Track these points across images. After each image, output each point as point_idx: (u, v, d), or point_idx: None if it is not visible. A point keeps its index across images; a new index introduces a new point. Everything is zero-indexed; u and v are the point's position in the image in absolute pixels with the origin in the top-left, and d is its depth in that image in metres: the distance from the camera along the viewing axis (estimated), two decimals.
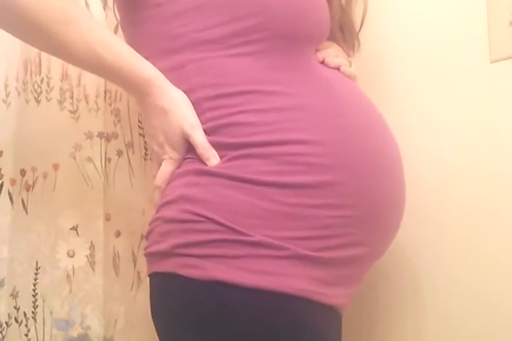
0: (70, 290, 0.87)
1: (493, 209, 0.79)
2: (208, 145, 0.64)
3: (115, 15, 0.77)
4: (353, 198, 0.65)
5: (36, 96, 0.89)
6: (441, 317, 0.84)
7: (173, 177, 0.67)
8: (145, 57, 0.68)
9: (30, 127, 0.88)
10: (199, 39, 0.67)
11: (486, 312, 0.78)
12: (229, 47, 0.67)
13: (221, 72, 0.67)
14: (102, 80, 0.91)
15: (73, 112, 0.90)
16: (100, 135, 0.90)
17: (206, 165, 0.64)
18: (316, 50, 0.74)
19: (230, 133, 0.64)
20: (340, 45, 0.82)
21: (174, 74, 0.68)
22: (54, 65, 0.90)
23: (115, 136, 0.92)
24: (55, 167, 0.89)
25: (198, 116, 0.66)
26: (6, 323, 0.84)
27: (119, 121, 0.93)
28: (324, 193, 0.63)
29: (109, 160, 0.91)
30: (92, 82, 0.91)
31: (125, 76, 0.67)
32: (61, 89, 0.90)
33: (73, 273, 0.87)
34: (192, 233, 0.62)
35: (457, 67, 0.84)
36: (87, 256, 0.88)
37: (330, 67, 0.73)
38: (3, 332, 0.83)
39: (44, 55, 0.89)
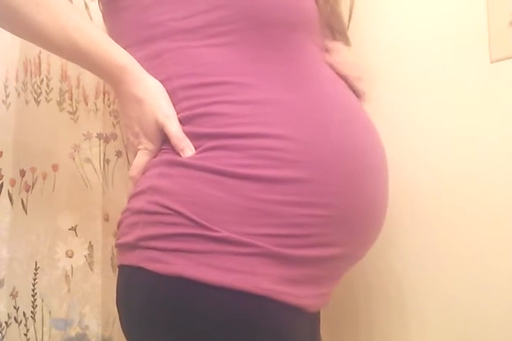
0: (69, 290, 0.87)
1: (484, 212, 0.79)
2: (182, 135, 0.62)
3: (99, 5, 0.75)
4: (328, 197, 0.62)
5: (36, 97, 0.90)
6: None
7: (147, 168, 0.65)
8: (124, 47, 0.67)
9: (29, 128, 0.89)
10: (177, 28, 0.65)
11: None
12: (207, 37, 0.64)
13: (198, 62, 0.65)
14: (101, 81, 0.91)
15: (72, 113, 0.91)
16: (99, 136, 0.91)
17: (180, 156, 0.62)
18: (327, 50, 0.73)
19: (204, 123, 0.62)
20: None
21: (152, 63, 0.66)
22: (53, 66, 0.90)
23: (114, 137, 0.93)
24: (55, 168, 0.89)
25: (174, 105, 0.64)
26: (6, 323, 0.84)
27: (118, 122, 0.93)
28: (296, 190, 0.61)
29: (108, 161, 0.91)
30: (91, 83, 0.92)
31: (98, 62, 0.65)
32: (60, 90, 0.90)
33: (72, 273, 0.88)
34: (158, 225, 0.60)
35: (457, 67, 0.83)
36: (85, 256, 0.88)
37: (344, 76, 0.72)
38: (3, 332, 0.84)
39: (44, 55, 0.90)
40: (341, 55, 0.73)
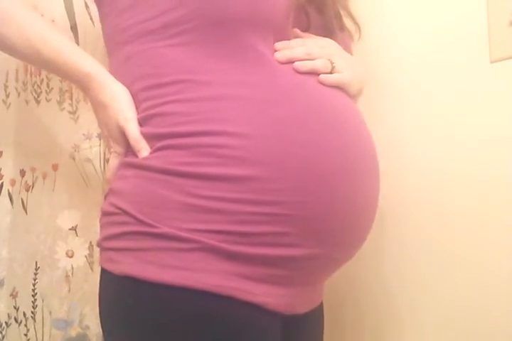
0: (69, 290, 0.87)
1: (483, 212, 0.78)
2: (139, 137, 0.64)
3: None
4: (277, 195, 0.60)
5: (36, 96, 0.90)
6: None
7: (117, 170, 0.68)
8: (109, 52, 0.70)
9: (29, 127, 0.89)
10: (142, 30, 0.66)
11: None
12: (167, 38, 0.65)
13: (157, 63, 0.65)
14: None
15: (72, 113, 0.91)
16: (99, 136, 0.91)
17: (136, 157, 0.64)
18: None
19: (157, 123, 0.64)
20: (337, 36, 0.78)
21: (123, 66, 0.68)
22: None
23: None
24: (55, 167, 0.89)
25: (136, 107, 0.66)
26: (6, 323, 0.84)
27: None
28: (240, 188, 0.59)
29: (108, 160, 0.91)
30: None
31: (64, 71, 0.69)
32: (60, 89, 0.90)
33: (72, 273, 0.88)
34: (113, 226, 0.63)
35: (457, 67, 0.83)
36: (86, 256, 0.88)
37: (300, 72, 0.67)
38: (3, 332, 0.84)
39: None
40: (294, 51, 0.68)
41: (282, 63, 0.66)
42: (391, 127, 0.92)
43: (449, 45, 0.84)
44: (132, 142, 0.64)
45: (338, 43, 0.76)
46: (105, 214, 0.65)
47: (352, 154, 0.66)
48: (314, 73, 0.67)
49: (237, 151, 0.60)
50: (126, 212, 0.61)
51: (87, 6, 0.91)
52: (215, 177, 0.59)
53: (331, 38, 0.76)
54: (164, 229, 0.59)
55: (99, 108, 0.68)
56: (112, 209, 0.63)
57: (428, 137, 0.87)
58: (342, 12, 0.80)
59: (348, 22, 0.82)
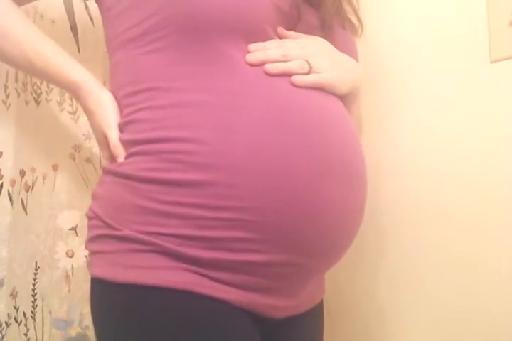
0: (69, 290, 0.88)
1: (484, 211, 0.78)
2: (116, 143, 0.66)
3: None
4: (236, 201, 0.60)
5: (36, 97, 0.90)
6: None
7: None
8: (110, 61, 0.72)
9: (29, 128, 0.89)
10: (127, 38, 0.68)
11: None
12: (145, 45, 0.66)
13: (136, 70, 0.67)
14: (100, 81, 0.91)
15: (72, 113, 0.91)
16: None
17: (114, 163, 0.66)
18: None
19: (131, 130, 0.66)
20: (338, 33, 0.77)
21: (113, 72, 0.71)
22: None
23: None
24: (55, 167, 0.90)
25: (120, 114, 0.68)
26: (6, 323, 0.84)
27: None
28: (199, 193, 0.60)
29: None
30: None
31: (55, 80, 0.73)
32: (60, 90, 0.90)
33: (72, 273, 0.88)
34: (90, 230, 0.66)
35: (457, 67, 0.83)
36: (86, 256, 0.88)
37: (271, 74, 0.65)
38: (3, 332, 0.84)
39: None
40: (268, 52, 0.66)
41: (254, 65, 0.65)
42: (391, 127, 0.92)
43: (449, 45, 0.84)
44: (111, 148, 0.67)
45: (337, 41, 0.75)
46: (87, 218, 0.68)
47: (324, 158, 0.64)
48: (288, 75, 0.66)
49: (197, 157, 0.60)
50: (98, 216, 0.64)
51: (86, 7, 0.92)
52: (175, 183, 0.60)
53: (330, 35, 0.74)
54: (126, 232, 0.61)
55: (88, 115, 0.71)
56: (90, 213, 0.67)
57: (428, 137, 0.87)
58: (346, 8, 0.80)
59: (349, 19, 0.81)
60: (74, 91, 0.72)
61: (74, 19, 0.92)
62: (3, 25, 0.72)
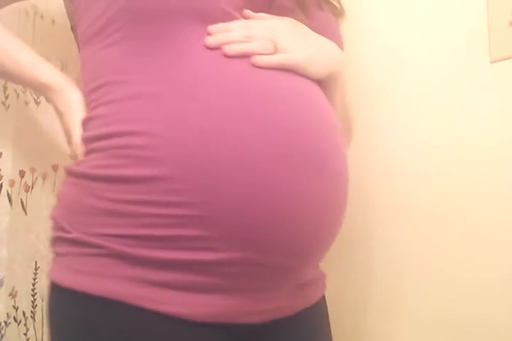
0: None
1: (484, 210, 0.78)
2: (78, 142, 0.64)
3: None
4: (185, 196, 0.55)
5: (36, 97, 0.90)
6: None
7: None
8: None
9: (29, 128, 0.89)
10: (89, 33, 0.66)
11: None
12: (103, 39, 0.64)
13: (95, 66, 0.66)
14: None
15: None
16: None
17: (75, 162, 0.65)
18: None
19: (89, 127, 0.64)
20: (316, 14, 0.72)
21: (81, 71, 0.69)
22: (53, 65, 0.90)
23: None
24: (55, 168, 0.90)
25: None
26: (5, 322, 0.84)
27: None
28: (148, 189, 0.56)
29: None
30: None
31: (26, 82, 0.72)
32: None
33: None
34: (51, 232, 0.65)
35: (457, 67, 0.83)
36: None
37: (229, 56, 0.60)
38: (2, 331, 0.83)
39: (44, 56, 0.90)
40: (229, 34, 0.61)
41: (213, 49, 0.60)
42: (390, 127, 0.92)
43: (449, 45, 0.84)
44: (73, 147, 0.65)
45: (315, 22, 0.70)
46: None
47: (288, 147, 0.58)
48: (250, 56, 0.61)
49: (147, 151, 0.57)
50: (55, 218, 0.63)
51: None
52: (124, 179, 0.57)
53: (307, 18, 0.70)
54: (75, 234, 0.59)
55: (58, 116, 0.70)
56: (51, 215, 0.65)
57: (428, 137, 0.87)
58: None
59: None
60: (44, 93, 0.71)
61: (74, 19, 0.91)
62: None
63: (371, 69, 0.94)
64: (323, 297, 0.74)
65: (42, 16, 0.91)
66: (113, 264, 0.57)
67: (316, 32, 0.70)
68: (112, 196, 0.58)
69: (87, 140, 0.63)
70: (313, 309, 0.69)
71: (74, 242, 0.59)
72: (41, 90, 0.72)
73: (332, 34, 0.73)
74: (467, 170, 0.81)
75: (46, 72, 0.71)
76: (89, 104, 0.65)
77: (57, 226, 0.62)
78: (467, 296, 0.79)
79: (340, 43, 0.75)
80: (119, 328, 0.56)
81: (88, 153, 0.62)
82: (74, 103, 0.68)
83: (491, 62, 0.79)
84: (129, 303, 0.55)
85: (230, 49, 0.60)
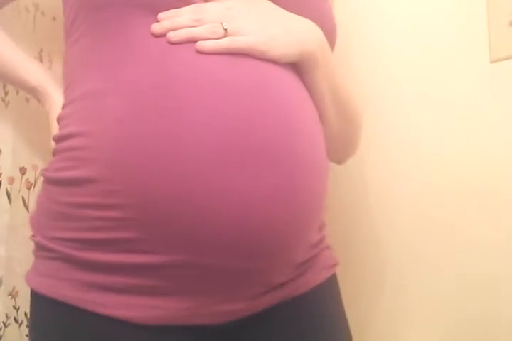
0: None
1: (484, 209, 0.79)
2: (53, 145, 0.64)
3: None
4: (117, 198, 0.54)
5: None
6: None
7: None
8: None
9: (31, 125, 0.87)
10: (64, 31, 0.66)
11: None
12: (70, 37, 0.64)
13: (65, 64, 0.66)
14: None
15: None
16: None
17: None
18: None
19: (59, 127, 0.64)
20: None
21: None
22: (55, 63, 0.89)
23: None
24: None
25: None
26: (4, 323, 0.82)
27: None
28: (89, 191, 0.55)
29: None
30: None
31: (18, 85, 0.73)
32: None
33: None
34: None
35: (457, 67, 0.84)
36: None
37: (173, 43, 0.56)
38: (1, 333, 0.82)
39: (45, 53, 0.90)
40: (176, 19, 0.57)
41: (158, 36, 0.56)
42: (389, 127, 0.92)
43: (449, 45, 0.85)
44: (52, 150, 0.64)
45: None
46: None
47: (231, 139, 0.53)
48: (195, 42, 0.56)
49: (86, 152, 0.56)
50: (30, 222, 0.64)
51: None
52: (72, 182, 0.57)
53: None
54: (38, 238, 0.61)
55: (48, 119, 0.70)
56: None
57: (427, 137, 0.87)
58: None
59: None
60: (35, 96, 0.72)
61: None
62: None
63: (371, 69, 0.95)
64: (322, 286, 0.68)
65: (43, 13, 0.90)
66: (64, 268, 0.57)
67: (291, 10, 0.64)
68: (63, 199, 0.58)
69: (54, 141, 0.64)
70: (306, 297, 0.65)
71: (37, 245, 0.61)
72: (32, 94, 0.73)
73: (312, 11, 0.67)
74: (466, 169, 0.82)
75: (34, 74, 0.71)
76: (62, 106, 0.65)
77: (31, 230, 0.64)
78: (480, 297, 0.79)
79: (326, 21, 0.69)
80: (68, 331, 0.57)
81: (53, 154, 0.63)
82: (55, 105, 0.68)
83: (491, 62, 0.79)
84: (79, 306, 0.56)
85: (173, 35, 0.56)
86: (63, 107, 0.64)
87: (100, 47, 0.59)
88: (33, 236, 0.63)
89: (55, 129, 0.66)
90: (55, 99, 0.69)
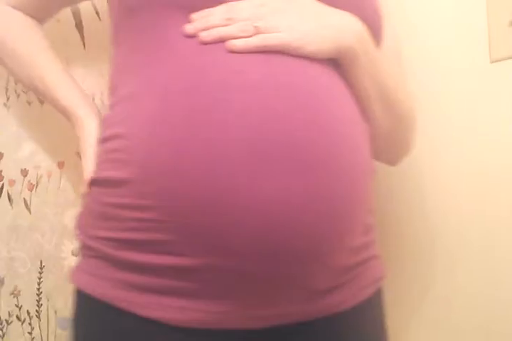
0: None
1: (486, 208, 0.79)
2: (85, 179, 0.65)
3: None
4: (150, 199, 0.54)
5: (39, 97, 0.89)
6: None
7: None
8: None
9: (33, 127, 0.88)
10: (110, 36, 0.67)
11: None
12: (115, 40, 0.65)
13: (110, 69, 0.66)
14: (103, 80, 0.91)
15: None
16: None
17: None
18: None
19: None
20: None
21: None
22: None
23: None
24: (60, 165, 0.89)
25: None
26: (6, 321, 0.83)
27: None
28: (124, 192, 0.56)
29: None
30: (94, 82, 0.91)
31: (53, 104, 0.72)
32: None
33: None
34: None
35: (457, 67, 0.83)
36: None
37: (205, 42, 0.56)
38: (4, 330, 0.82)
39: None
40: (208, 19, 0.57)
41: (191, 36, 0.56)
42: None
43: (449, 45, 0.85)
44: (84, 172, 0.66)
45: None
46: None
47: (265, 144, 0.52)
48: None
49: (121, 154, 0.57)
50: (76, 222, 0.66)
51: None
52: (112, 182, 0.58)
53: None
54: (81, 237, 0.62)
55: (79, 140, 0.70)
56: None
57: (427, 137, 0.87)
58: None
59: None
60: (67, 116, 0.71)
61: (79, 16, 0.91)
62: (5, 43, 0.73)
63: None
64: (370, 300, 0.66)
65: None
66: (104, 266, 0.58)
67: (330, 4, 0.62)
68: (103, 199, 0.59)
69: (98, 142, 0.65)
70: (349, 314, 0.63)
71: (81, 244, 0.63)
72: (64, 114, 0.72)
73: (350, 5, 0.64)
74: (466, 169, 0.82)
75: (65, 96, 0.70)
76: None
77: (77, 229, 0.65)
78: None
79: (369, 15, 0.66)
80: (105, 329, 0.58)
81: (96, 157, 0.64)
82: (88, 131, 0.67)
83: (491, 62, 0.79)
84: (116, 306, 0.56)
85: (205, 35, 0.56)
86: (108, 109, 0.64)
87: (137, 51, 0.60)
88: (77, 235, 0.64)
89: (85, 159, 0.66)
90: (86, 123, 0.68)
